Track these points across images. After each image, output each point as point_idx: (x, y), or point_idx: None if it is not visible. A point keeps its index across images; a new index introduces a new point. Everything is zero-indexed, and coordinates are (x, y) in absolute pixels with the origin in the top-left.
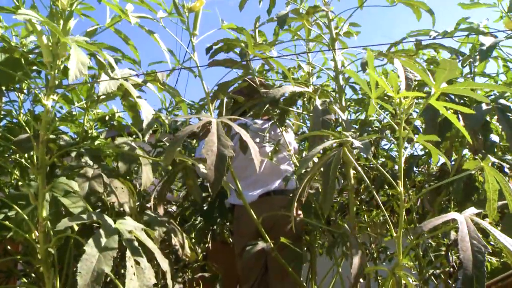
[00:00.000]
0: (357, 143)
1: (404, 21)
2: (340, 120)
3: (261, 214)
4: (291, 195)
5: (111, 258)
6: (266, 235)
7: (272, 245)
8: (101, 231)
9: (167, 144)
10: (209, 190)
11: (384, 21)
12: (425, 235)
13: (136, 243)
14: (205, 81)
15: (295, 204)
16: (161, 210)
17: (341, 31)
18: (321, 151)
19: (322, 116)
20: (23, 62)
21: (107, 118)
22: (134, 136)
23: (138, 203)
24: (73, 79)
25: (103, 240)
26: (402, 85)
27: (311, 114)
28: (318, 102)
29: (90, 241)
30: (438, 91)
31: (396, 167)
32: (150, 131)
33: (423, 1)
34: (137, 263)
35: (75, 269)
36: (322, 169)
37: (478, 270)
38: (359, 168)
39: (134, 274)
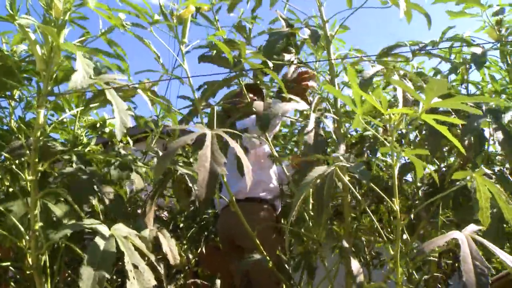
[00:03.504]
0: (353, 169)
1: (402, 21)
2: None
3: (222, 223)
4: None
5: (110, 264)
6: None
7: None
8: (98, 237)
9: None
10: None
11: (378, 20)
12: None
13: (132, 248)
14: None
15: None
16: (151, 215)
17: (334, 32)
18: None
19: (315, 138)
20: (15, 70)
21: (98, 125)
22: (124, 142)
23: (129, 209)
24: (79, 84)
25: (102, 247)
26: (399, 102)
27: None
28: (312, 117)
29: (90, 248)
30: (428, 106)
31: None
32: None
33: (419, 3)
34: (135, 266)
35: (66, 275)
36: (314, 191)
37: None
38: (352, 188)
39: (134, 278)
